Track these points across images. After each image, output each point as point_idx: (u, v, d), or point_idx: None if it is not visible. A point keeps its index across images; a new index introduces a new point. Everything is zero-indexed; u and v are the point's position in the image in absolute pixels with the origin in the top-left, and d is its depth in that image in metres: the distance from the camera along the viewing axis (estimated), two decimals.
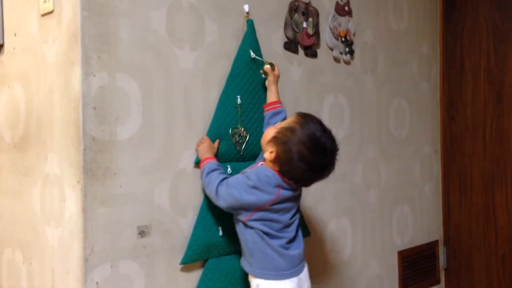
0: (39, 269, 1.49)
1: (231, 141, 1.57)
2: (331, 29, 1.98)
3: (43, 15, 1.46)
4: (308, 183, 1.46)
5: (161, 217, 1.45)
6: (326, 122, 1.89)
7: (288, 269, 1.43)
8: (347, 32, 2.04)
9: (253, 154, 1.62)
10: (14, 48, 1.62)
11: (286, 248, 1.44)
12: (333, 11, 1.99)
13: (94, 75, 1.33)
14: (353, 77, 2.10)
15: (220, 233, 1.53)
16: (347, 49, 2.04)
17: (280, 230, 1.43)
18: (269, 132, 1.44)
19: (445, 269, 2.60)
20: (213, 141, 1.53)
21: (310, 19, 1.88)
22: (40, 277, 1.48)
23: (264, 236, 1.41)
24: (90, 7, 1.33)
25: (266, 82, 1.65)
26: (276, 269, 1.42)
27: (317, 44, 1.93)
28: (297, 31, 1.84)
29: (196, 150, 1.52)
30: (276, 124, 1.47)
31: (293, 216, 1.46)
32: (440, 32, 2.60)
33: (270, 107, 1.63)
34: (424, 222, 2.50)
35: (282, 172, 1.39)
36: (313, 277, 1.62)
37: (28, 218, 1.55)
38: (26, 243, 1.55)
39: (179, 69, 1.50)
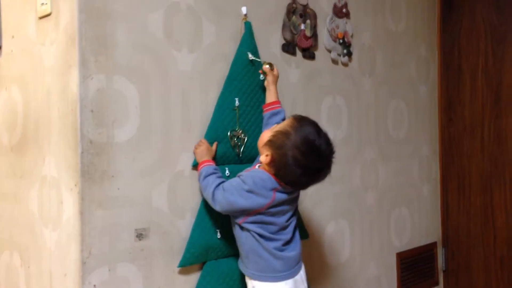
0: (37, 272, 1.49)
1: (229, 143, 1.57)
2: (329, 31, 1.98)
3: (40, 17, 1.46)
4: (304, 186, 1.46)
5: (159, 220, 1.45)
6: (324, 124, 1.92)
7: (284, 271, 1.43)
8: (345, 34, 2.04)
9: (251, 157, 1.62)
10: (12, 51, 1.62)
11: (282, 250, 1.44)
12: (331, 13, 1.99)
13: (92, 78, 1.32)
14: (351, 79, 2.10)
15: (218, 235, 1.53)
16: (345, 51, 2.04)
17: (276, 232, 1.43)
18: (265, 135, 1.44)
19: (444, 271, 2.60)
20: (211, 143, 1.53)
21: (308, 21, 1.88)
22: (38, 280, 1.48)
23: (260, 239, 1.41)
24: (88, 10, 1.32)
25: (265, 82, 1.64)
26: (271, 271, 1.42)
27: (315, 46, 1.93)
28: (295, 33, 1.84)
29: (194, 153, 1.52)
30: (272, 127, 1.47)
31: (289, 218, 1.46)
32: (438, 33, 2.61)
33: (269, 107, 1.63)
34: (423, 224, 2.50)
35: (278, 176, 1.39)
36: (311, 279, 1.62)
37: (25, 221, 1.55)
38: (24, 246, 1.55)
39: (177, 71, 1.50)
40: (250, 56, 1.61)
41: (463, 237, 2.54)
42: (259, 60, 1.63)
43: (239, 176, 1.43)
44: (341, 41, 2.02)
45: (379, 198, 2.24)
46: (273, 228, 1.42)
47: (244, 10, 1.66)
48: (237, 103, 1.59)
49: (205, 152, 1.50)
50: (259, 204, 1.38)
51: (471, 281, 2.51)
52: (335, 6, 2.01)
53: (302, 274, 1.50)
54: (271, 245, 1.42)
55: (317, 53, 1.94)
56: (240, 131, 1.60)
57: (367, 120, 2.18)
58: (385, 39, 2.28)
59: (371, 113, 2.20)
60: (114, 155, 1.36)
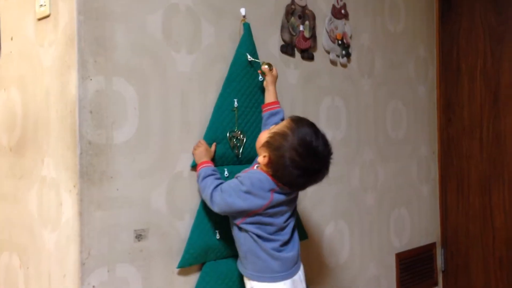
0: (35, 273, 1.49)
1: (228, 144, 1.57)
2: (327, 32, 1.98)
3: (39, 19, 1.46)
4: (302, 187, 1.46)
5: (158, 221, 1.45)
6: (323, 125, 1.92)
7: (282, 271, 1.44)
8: (344, 35, 2.04)
9: (250, 158, 1.62)
10: (11, 52, 1.62)
11: (280, 251, 1.44)
12: (329, 14, 1.99)
13: (91, 79, 1.33)
14: (349, 80, 2.10)
15: (217, 236, 1.53)
16: (343, 52, 2.04)
17: (274, 233, 1.43)
18: (263, 136, 1.44)
19: (443, 271, 2.60)
20: (210, 144, 1.53)
21: (307, 22, 1.88)
22: (37, 281, 1.48)
23: (258, 239, 1.41)
24: (86, 11, 1.33)
25: (264, 83, 1.65)
26: (269, 272, 1.43)
27: (313, 47, 1.93)
28: (294, 34, 1.84)
29: (193, 154, 1.52)
30: (270, 128, 1.48)
31: (287, 219, 1.46)
32: (437, 34, 2.61)
33: (268, 107, 1.63)
34: (422, 224, 2.50)
35: (275, 177, 1.40)
36: (310, 280, 1.62)
37: (24, 222, 1.55)
38: (23, 247, 1.55)
39: (175, 72, 1.50)
40: (249, 57, 1.62)
41: (462, 238, 2.54)
42: (258, 61, 1.63)
43: (237, 177, 1.44)
44: (340, 42, 2.02)
45: (378, 199, 2.24)
46: (271, 228, 1.43)
47: (243, 11, 1.66)
48: (236, 104, 1.59)
49: (204, 153, 1.50)
50: (257, 205, 1.39)
51: (470, 281, 2.51)
52: (333, 7, 2.01)
53: (300, 274, 1.50)
54: (269, 245, 1.42)
55: (316, 54, 1.94)
56: (239, 132, 1.60)
57: (366, 121, 2.18)
58: (384, 40, 2.28)
59: (370, 114, 2.20)
60: (113, 156, 1.36)
